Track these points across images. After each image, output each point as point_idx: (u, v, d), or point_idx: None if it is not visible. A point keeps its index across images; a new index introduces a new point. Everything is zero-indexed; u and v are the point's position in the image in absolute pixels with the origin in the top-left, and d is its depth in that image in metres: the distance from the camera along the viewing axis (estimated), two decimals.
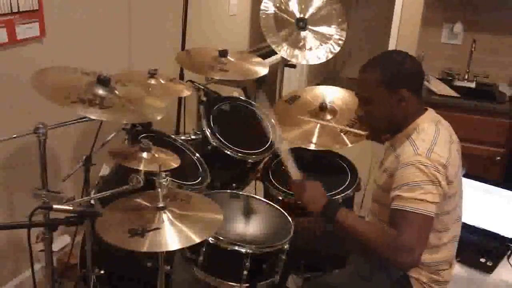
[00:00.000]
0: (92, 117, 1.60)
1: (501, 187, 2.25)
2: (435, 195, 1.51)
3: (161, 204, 1.50)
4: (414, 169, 1.52)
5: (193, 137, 2.42)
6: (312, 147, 2.45)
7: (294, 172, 1.83)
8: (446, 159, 1.54)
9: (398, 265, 1.58)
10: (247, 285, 1.78)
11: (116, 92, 1.72)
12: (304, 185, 1.72)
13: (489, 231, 2.27)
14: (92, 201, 1.89)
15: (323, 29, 3.01)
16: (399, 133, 1.70)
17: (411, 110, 1.67)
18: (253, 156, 2.31)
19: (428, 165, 1.51)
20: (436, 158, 1.53)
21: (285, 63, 3.25)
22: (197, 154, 2.23)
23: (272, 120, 1.98)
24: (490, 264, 2.10)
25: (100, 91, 1.67)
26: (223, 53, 2.53)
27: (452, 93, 3.24)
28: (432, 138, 1.59)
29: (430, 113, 1.71)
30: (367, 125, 1.80)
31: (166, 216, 1.48)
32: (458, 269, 2.02)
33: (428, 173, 1.51)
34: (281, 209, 2.04)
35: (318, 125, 2.50)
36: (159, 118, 1.76)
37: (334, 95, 2.65)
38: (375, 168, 1.90)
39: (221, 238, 1.76)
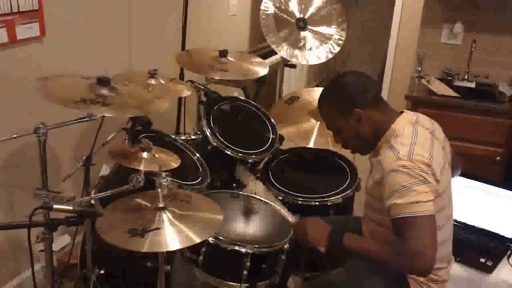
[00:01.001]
0: (96, 113, 1.59)
1: (501, 187, 2.25)
2: (428, 193, 1.52)
3: (161, 204, 1.50)
4: (399, 174, 1.52)
5: (193, 137, 2.41)
6: (311, 146, 2.45)
7: (289, 216, 1.86)
8: (428, 158, 1.55)
9: (415, 273, 1.61)
10: (247, 285, 1.78)
11: (117, 90, 1.72)
12: (304, 224, 1.74)
13: (489, 231, 2.27)
14: (92, 201, 1.89)
15: (323, 29, 3.01)
16: (379, 141, 1.70)
17: (378, 121, 1.68)
18: (253, 156, 2.31)
19: (411, 167, 1.51)
20: (418, 158, 1.53)
21: (285, 63, 3.25)
22: (197, 154, 2.23)
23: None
24: (490, 264, 2.10)
25: (102, 91, 1.67)
26: (223, 53, 2.53)
27: (452, 93, 3.24)
28: (410, 140, 1.58)
29: (406, 115, 1.70)
30: (351, 150, 1.83)
31: (166, 216, 1.48)
32: (458, 269, 2.02)
33: (413, 175, 1.51)
34: (281, 209, 2.04)
35: (318, 124, 2.51)
36: (162, 110, 1.76)
37: None
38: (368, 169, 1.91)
39: (221, 238, 1.76)
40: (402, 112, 1.73)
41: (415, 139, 1.59)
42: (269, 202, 1.94)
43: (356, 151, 1.85)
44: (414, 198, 1.50)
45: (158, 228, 1.44)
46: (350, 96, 1.69)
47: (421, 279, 1.68)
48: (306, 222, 1.75)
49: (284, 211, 1.87)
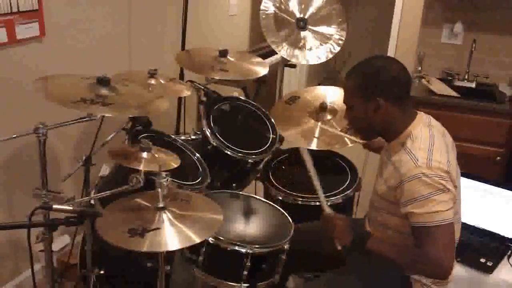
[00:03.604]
0: (96, 113, 1.59)
1: (501, 187, 2.24)
2: (447, 201, 1.51)
3: (161, 204, 1.50)
4: (418, 182, 1.51)
5: (193, 137, 2.42)
6: (312, 147, 2.45)
7: (326, 207, 1.85)
8: (446, 164, 1.53)
9: (433, 278, 1.65)
10: (247, 285, 1.78)
11: (117, 90, 1.72)
12: (334, 222, 1.74)
13: (489, 231, 2.26)
14: (92, 201, 1.89)
15: (323, 29, 3.01)
16: (392, 141, 1.68)
17: (394, 117, 1.64)
18: (253, 156, 2.30)
19: (431, 175, 1.50)
20: (437, 165, 1.52)
21: (285, 63, 3.25)
22: (197, 154, 2.23)
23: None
24: (490, 264, 2.10)
25: (102, 91, 1.67)
26: (223, 53, 2.53)
27: (452, 93, 3.24)
28: (428, 145, 1.57)
29: (421, 117, 1.68)
30: (353, 128, 1.81)
31: (166, 216, 1.48)
32: (458, 269, 2.02)
33: (433, 184, 1.50)
34: (281, 209, 2.04)
35: (318, 125, 2.50)
36: (162, 110, 1.76)
37: (334, 95, 2.65)
38: (368, 169, 1.91)
39: (221, 238, 1.76)
40: (416, 112, 1.70)
41: (433, 143, 1.57)
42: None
43: (357, 133, 1.82)
44: (433, 208, 1.50)
45: (158, 228, 1.44)
46: (381, 83, 1.62)
47: (424, 280, 1.69)
48: (336, 217, 1.76)
49: (323, 198, 1.86)
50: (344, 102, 1.73)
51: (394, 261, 1.61)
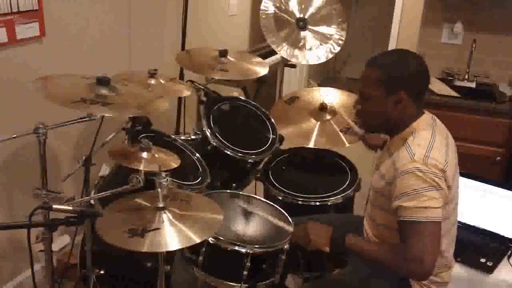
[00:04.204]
0: (96, 113, 1.59)
1: (501, 187, 2.25)
2: (438, 199, 1.50)
3: (161, 204, 1.50)
4: (412, 177, 1.50)
5: (193, 137, 2.41)
6: (311, 146, 2.45)
7: (287, 226, 1.84)
8: (443, 164, 1.53)
9: (412, 277, 1.62)
10: (247, 285, 1.78)
11: (117, 90, 1.72)
12: (305, 229, 1.72)
13: (489, 231, 2.27)
14: (92, 201, 1.89)
15: (323, 29, 3.01)
16: (395, 136, 1.68)
17: (408, 113, 1.63)
18: (253, 156, 2.30)
19: (425, 171, 1.49)
20: (433, 163, 1.51)
21: (285, 63, 3.25)
22: (197, 154, 2.23)
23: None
24: (490, 264, 2.10)
25: (102, 91, 1.67)
26: (223, 53, 2.53)
27: (452, 93, 3.24)
28: (428, 143, 1.56)
29: (427, 116, 1.68)
30: (362, 120, 1.78)
31: (166, 216, 1.48)
32: (458, 269, 2.02)
33: (426, 179, 1.49)
34: (281, 209, 2.04)
35: (318, 124, 2.51)
36: (162, 110, 1.76)
37: (333, 96, 2.65)
38: (370, 169, 1.90)
39: (221, 238, 1.76)
40: (424, 111, 1.69)
41: (433, 142, 1.57)
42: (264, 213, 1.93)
43: (364, 124, 1.79)
44: (424, 204, 1.48)
45: (158, 228, 1.44)
46: (408, 76, 1.60)
47: (424, 281, 1.68)
48: (306, 227, 1.72)
49: (280, 222, 1.86)
50: (360, 90, 1.68)
51: (374, 257, 1.57)
